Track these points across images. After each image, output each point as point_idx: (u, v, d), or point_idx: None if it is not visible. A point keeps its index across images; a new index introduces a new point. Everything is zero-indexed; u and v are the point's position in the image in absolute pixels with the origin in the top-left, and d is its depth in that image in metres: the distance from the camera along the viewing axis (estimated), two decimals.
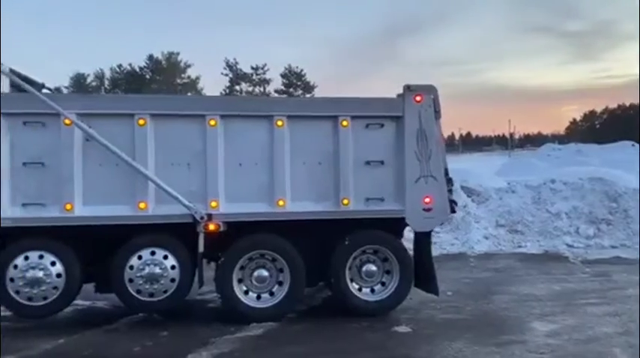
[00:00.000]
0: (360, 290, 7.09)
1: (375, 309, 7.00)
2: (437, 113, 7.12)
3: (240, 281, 6.84)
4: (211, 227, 6.65)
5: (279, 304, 6.82)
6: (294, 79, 47.46)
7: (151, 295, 6.62)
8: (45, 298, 6.46)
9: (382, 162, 7.01)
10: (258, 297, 6.91)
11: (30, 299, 6.43)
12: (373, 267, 7.10)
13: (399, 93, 7.15)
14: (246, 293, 6.86)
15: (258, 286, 6.88)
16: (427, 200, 7.02)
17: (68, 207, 6.42)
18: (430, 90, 7.13)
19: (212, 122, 6.69)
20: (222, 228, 6.69)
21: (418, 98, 7.04)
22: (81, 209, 6.47)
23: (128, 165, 6.49)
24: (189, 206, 6.55)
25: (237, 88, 46.61)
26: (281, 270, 6.95)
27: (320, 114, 6.92)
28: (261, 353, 5.72)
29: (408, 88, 7.06)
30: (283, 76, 48.78)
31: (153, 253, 6.63)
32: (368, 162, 6.98)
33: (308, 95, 38.29)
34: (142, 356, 5.73)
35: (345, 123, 6.90)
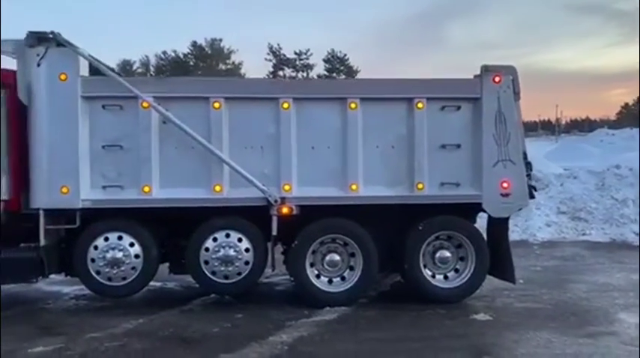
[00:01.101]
0: (433, 276, 6.94)
1: (448, 296, 6.85)
2: (516, 94, 6.83)
3: (311, 265, 6.81)
4: (284, 210, 6.62)
5: (351, 289, 6.76)
6: (337, 64, 47.11)
7: (226, 277, 6.66)
8: (124, 278, 6.60)
9: (458, 146, 6.79)
10: (330, 281, 6.87)
11: (110, 279, 6.58)
12: (447, 253, 6.93)
13: (475, 74, 6.89)
14: (317, 277, 6.83)
15: (330, 270, 6.83)
16: (505, 185, 6.77)
17: (146, 189, 6.50)
18: (509, 70, 6.83)
19: (285, 105, 6.62)
20: (295, 212, 6.65)
21: (497, 79, 6.76)
22: (158, 191, 6.54)
23: (204, 148, 6.51)
24: (263, 189, 6.53)
25: (281, 73, 46.65)
26: (352, 255, 6.87)
27: (394, 96, 6.75)
28: (342, 338, 5.66)
29: (486, 69, 6.79)
30: (326, 60, 48.50)
31: (227, 235, 6.67)
32: (443, 146, 6.78)
33: None
34: (222, 337, 5.77)
35: (420, 105, 6.71)
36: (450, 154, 6.79)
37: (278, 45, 45.75)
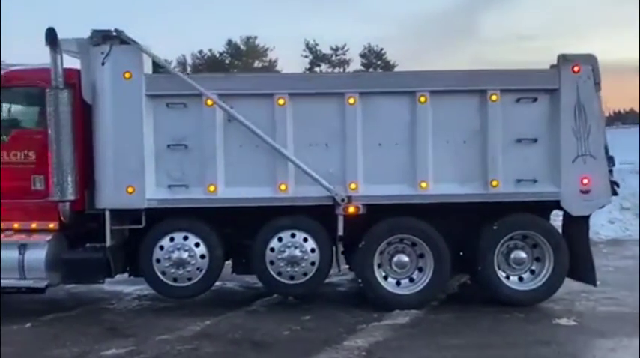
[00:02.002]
0: (507, 278, 6.59)
1: (524, 299, 6.49)
2: (597, 85, 6.40)
3: (379, 266, 6.56)
4: (351, 210, 6.39)
5: (423, 291, 6.48)
6: (373, 59, 46.54)
7: (292, 278, 6.48)
8: (189, 279, 6.49)
9: (535, 140, 6.41)
10: (398, 283, 6.61)
11: (175, 280, 6.49)
12: (522, 254, 6.57)
13: (552, 64, 6.49)
14: (385, 278, 6.58)
15: (398, 272, 6.57)
16: (585, 181, 6.36)
17: (211, 188, 6.37)
18: (588, 59, 6.41)
19: (351, 100, 6.38)
20: (361, 211, 6.41)
21: (576, 69, 6.34)
22: (223, 190, 6.40)
23: (269, 146, 6.33)
24: (329, 188, 6.31)
25: (317, 69, 46.44)
26: (421, 256, 6.59)
27: (467, 88, 6.41)
28: (421, 344, 5.40)
29: (564, 58, 6.38)
30: (362, 55, 47.94)
31: (293, 235, 6.48)
32: (519, 140, 6.41)
33: None
34: (294, 341, 5.59)
35: (494, 97, 6.35)
36: (525, 149, 6.41)
37: (314, 41, 45.39)
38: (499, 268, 6.55)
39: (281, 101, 6.36)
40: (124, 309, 6.98)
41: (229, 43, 53.07)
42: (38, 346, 5.62)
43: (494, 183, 6.37)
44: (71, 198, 6.34)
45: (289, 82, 6.57)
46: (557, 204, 6.54)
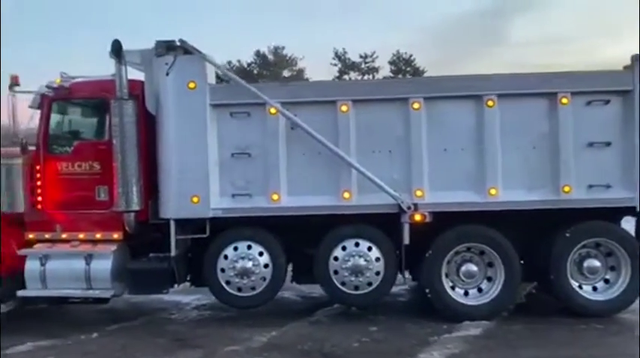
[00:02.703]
0: (580, 287, 6.33)
1: (599, 310, 6.23)
2: None
3: (446, 275, 6.38)
4: (417, 217, 6.25)
5: (493, 301, 6.28)
6: (402, 65, 46.30)
7: (356, 288, 6.36)
8: (253, 288, 6.43)
9: (608, 144, 6.18)
10: (465, 293, 6.42)
11: (240, 289, 6.44)
12: (596, 263, 6.31)
13: (625, 65, 6.25)
14: (452, 288, 6.40)
15: (466, 282, 6.39)
16: None
17: (275, 197, 6.32)
18: None
19: (416, 105, 6.26)
20: (427, 219, 6.26)
21: None
22: (286, 199, 6.34)
23: (332, 154, 6.25)
24: (395, 195, 6.19)
25: (346, 77, 46.42)
26: (490, 265, 6.39)
27: (536, 91, 6.22)
28: (499, 356, 5.21)
29: (638, 59, 6.14)
30: (391, 62, 47.72)
31: (357, 244, 6.37)
32: (591, 144, 6.18)
33: None
34: (366, 353, 5.47)
35: (564, 100, 6.15)
36: (598, 153, 6.18)
37: (343, 49, 45.30)
38: (572, 277, 6.31)
39: (344, 108, 6.29)
40: (185, 319, 6.97)
41: (257, 53, 53.63)
42: (108, 357, 5.64)
43: (567, 188, 6.15)
44: (136, 208, 6.37)
45: (352, 89, 6.49)
46: (629, 210, 6.27)
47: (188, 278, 6.89)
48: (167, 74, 6.30)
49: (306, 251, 6.59)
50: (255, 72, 54.57)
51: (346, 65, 47.80)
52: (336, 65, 48.38)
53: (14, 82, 6.37)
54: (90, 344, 6.04)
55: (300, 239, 6.62)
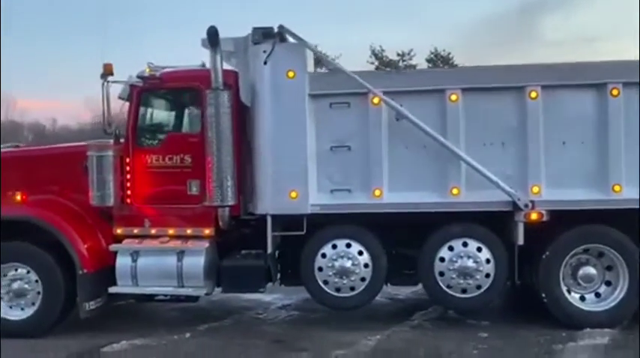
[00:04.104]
0: None
1: None
2: None
3: (562, 279, 5.89)
4: (533, 216, 5.78)
5: (616, 308, 5.77)
6: (440, 63, 45.37)
7: (464, 291, 5.94)
8: (352, 289, 6.07)
9: None
10: (582, 298, 5.93)
11: (338, 290, 6.09)
12: None
13: None
14: (568, 292, 5.91)
15: (584, 286, 5.90)
16: None
17: (377, 193, 5.94)
18: None
19: (533, 94, 5.79)
20: (544, 218, 5.78)
21: None
22: (389, 195, 5.96)
23: (438, 147, 5.84)
24: (510, 192, 5.73)
25: None
26: (609, 268, 5.89)
27: None
28: None
29: None
30: (429, 60, 46.84)
31: (465, 244, 5.94)
32: None
33: None
34: None
35: None
36: None
37: (380, 47, 44.64)
38: None
39: (454, 97, 5.86)
40: (275, 320, 6.68)
41: None
42: None
43: None
44: (231, 202, 6.08)
45: (463, 76, 6.05)
46: None
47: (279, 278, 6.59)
48: (265, 63, 5.98)
49: (403, 251, 6.20)
50: None
51: (383, 63, 47.15)
52: (373, 63, 47.71)
53: (108, 71, 6.15)
54: (186, 344, 5.80)
55: (399, 238, 6.23)
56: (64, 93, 56.89)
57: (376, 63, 49.82)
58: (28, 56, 51.35)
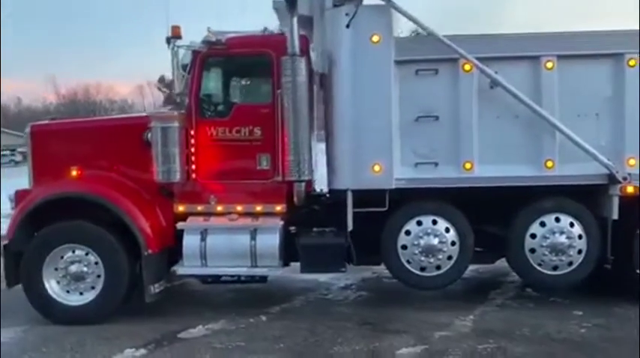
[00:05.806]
0: None
1: None
2: None
3: None
4: (629, 189, 5.54)
5: None
6: None
7: (555, 268, 5.70)
8: (438, 268, 5.76)
9: None
10: None
11: (423, 269, 5.77)
12: None
13: None
14: None
15: None
16: None
17: (467, 166, 5.62)
18: None
19: (632, 62, 5.50)
20: None
21: None
22: (479, 168, 5.64)
23: (533, 117, 5.52)
24: (608, 164, 5.47)
25: None
26: None
27: None
28: None
29: None
30: None
31: (557, 220, 5.68)
32: None
33: None
34: (612, 340, 4.89)
35: None
36: None
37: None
38: None
39: (549, 64, 5.53)
40: (345, 301, 6.35)
41: None
42: (304, 342, 5.03)
43: None
44: (308, 177, 5.70)
45: (560, 43, 5.69)
46: None
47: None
48: (347, 26, 5.55)
49: (491, 229, 5.91)
50: None
51: None
52: None
53: (175, 34, 5.62)
54: (269, 327, 5.44)
55: (484, 214, 5.92)
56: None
57: None
58: None
